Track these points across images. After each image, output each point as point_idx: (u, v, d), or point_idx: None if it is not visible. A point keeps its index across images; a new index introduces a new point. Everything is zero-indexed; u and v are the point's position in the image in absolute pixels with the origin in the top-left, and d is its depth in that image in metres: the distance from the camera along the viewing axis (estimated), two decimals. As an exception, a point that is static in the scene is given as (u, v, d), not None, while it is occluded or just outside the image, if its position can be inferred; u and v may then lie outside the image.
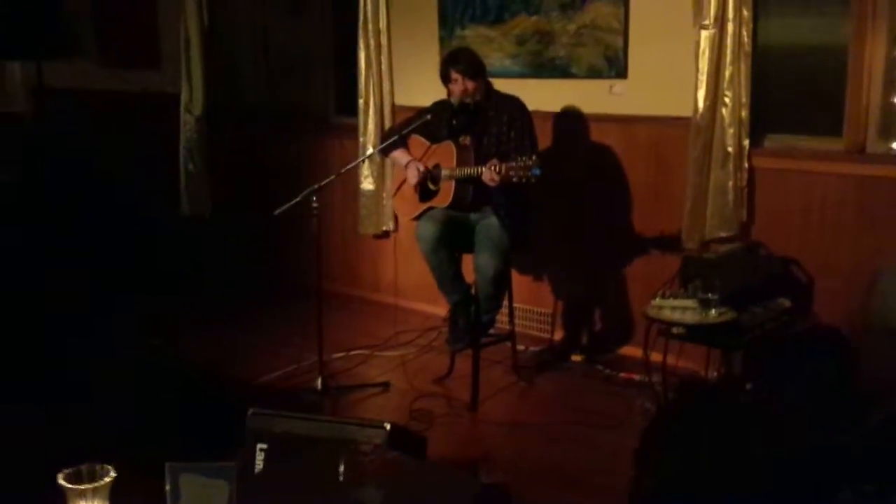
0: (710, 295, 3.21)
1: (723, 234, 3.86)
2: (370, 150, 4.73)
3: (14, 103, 7.15)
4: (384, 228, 5.12)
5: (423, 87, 4.47)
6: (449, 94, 3.85)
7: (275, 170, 5.50)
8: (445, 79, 3.82)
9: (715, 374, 3.82)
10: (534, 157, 3.38)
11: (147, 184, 6.06)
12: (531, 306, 4.66)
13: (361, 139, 4.99)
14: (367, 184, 5.07)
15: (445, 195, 3.80)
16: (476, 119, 3.83)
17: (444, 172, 3.81)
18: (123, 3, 6.19)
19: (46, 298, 5.02)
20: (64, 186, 6.20)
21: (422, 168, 3.85)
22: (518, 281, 4.53)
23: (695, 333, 3.27)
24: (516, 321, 4.45)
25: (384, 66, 4.88)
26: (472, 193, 3.76)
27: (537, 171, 3.36)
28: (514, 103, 3.83)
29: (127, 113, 6.25)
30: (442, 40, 4.70)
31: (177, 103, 5.71)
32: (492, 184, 3.52)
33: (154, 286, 5.44)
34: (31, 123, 6.79)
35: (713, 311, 3.21)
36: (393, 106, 4.94)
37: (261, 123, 5.71)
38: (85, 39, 6.43)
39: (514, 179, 3.41)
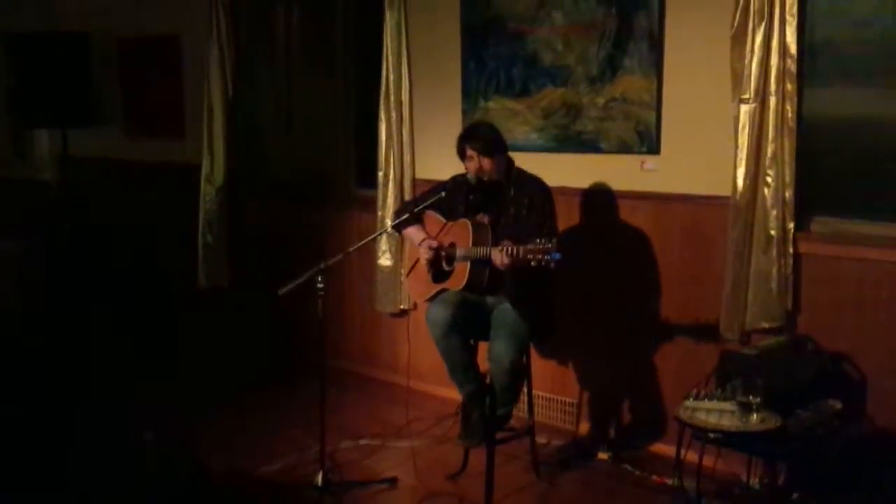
0: (750, 398, 2.87)
1: (765, 326, 3.53)
2: (383, 227, 4.51)
3: (41, 171, 7.21)
4: (402, 307, 4.87)
5: (444, 160, 4.26)
6: (466, 169, 3.63)
7: (295, 243, 5.33)
8: (461, 154, 3.61)
9: (757, 481, 3.46)
10: (553, 241, 3.11)
11: (166, 254, 5.97)
12: (555, 395, 4.34)
13: (380, 213, 4.78)
14: (385, 260, 4.84)
15: (460, 277, 3.54)
16: (494, 197, 3.59)
17: (460, 252, 3.56)
18: (149, 72, 6.19)
19: (50, 375, 4.88)
20: (84, 254, 6.14)
21: (435, 245, 3.61)
22: (541, 367, 4.25)
23: (733, 441, 2.92)
24: (538, 410, 4.16)
25: (405, 138, 4.71)
26: (488, 276, 3.49)
27: (557, 256, 3.08)
28: (537, 185, 3.59)
29: (150, 182, 6.20)
30: (465, 112, 4.51)
31: (199, 174, 5.60)
32: (502, 267, 3.26)
33: (165, 360, 5.28)
34: (56, 191, 6.79)
35: (754, 417, 2.87)
36: (413, 179, 4.73)
37: (282, 195, 5.57)
38: (111, 108, 6.44)
39: (532, 263, 3.13)
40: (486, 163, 3.52)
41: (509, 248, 3.18)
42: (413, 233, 3.76)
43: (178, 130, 6.01)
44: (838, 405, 3.15)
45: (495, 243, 3.41)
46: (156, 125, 6.22)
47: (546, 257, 3.06)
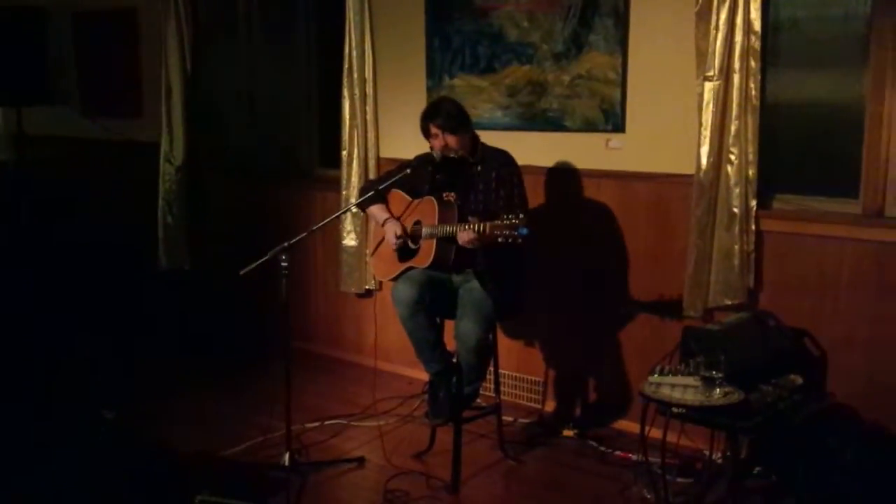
0: (713, 373, 2.90)
1: (728, 303, 3.56)
2: (347, 205, 4.46)
3: (-4, 151, 7.01)
4: (367, 287, 4.84)
5: (409, 138, 4.21)
6: (430, 147, 3.60)
7: (257, 223, 5.26)
8: (426, 133, 3.57)
9: (720, 455, 3.50)
10: (521, 216, 3.09)
11: (125, 234, 5.85)
12: (521, 373, 4.35)
13: (344, 192, 4.73)
14: (350, 240, 4.80)
15: (426, 255, 3.51)
16: (461, 174, 3.56)
17: (425, 230, 3.53)
18: (106, 50, 6.04)
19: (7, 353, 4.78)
20: (41, 233, 6.00)
21: (399, 231, 3.57)
22: (508, 346, 4.25)
23: (697, 415, 2.94)
24: (504, 389, 4.17)
25: (369, 117, 4.65)
26: (454, 253, 3.46)
27: (524, 231, 3.07)
28: (504, 158, 3.57)
29: (108, 162, 6.07)
30: (429, 90, 4.47)
31: (158, 153, 5.49)
32: (468, 245, 3.24)
33: (124, 343, 5.20)
34: (11, 171, 6.62)
35: (717, 391, 2.89)
36: (378, 158, 4.69)
37: (244, 174, 5.49)
38: (67, 85, 6.28)
39: (500, 240, 3.11)
40: (451, 140, 3.49)
41: (475, 225, 3.16)
42: (376, 211, 3.72)
43: (136, 108, 5.89)
44: (799, 380, 3.19)
45: (462, 220, 3.39)
46: (113, 103, 6.08)
47: (514, 233, 3.05)
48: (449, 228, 3.39)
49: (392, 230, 3.59)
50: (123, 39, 5.87)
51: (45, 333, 5.18)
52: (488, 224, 3.14)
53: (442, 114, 3.50)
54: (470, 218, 3.22)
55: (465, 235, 3.22)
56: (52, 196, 6.23)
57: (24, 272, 5.77)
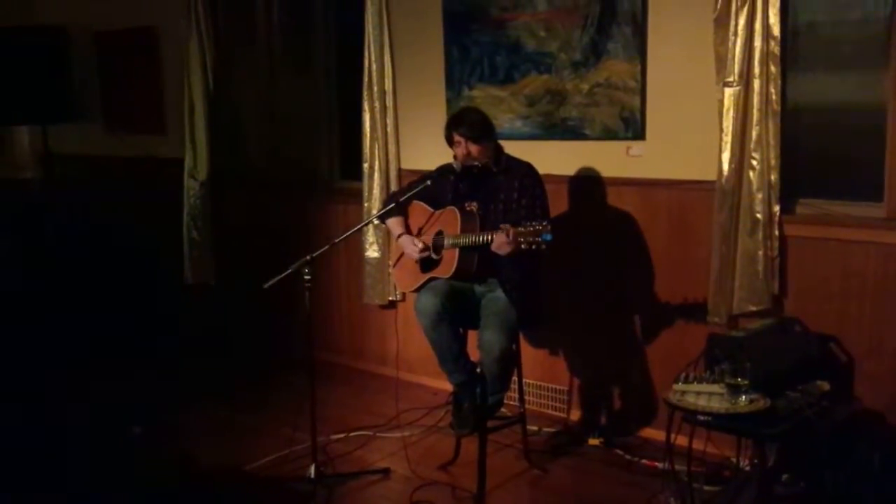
0: (739, 380, 2.87)
1: (752, 309, 3.54)
2: (368, 218, 4.48)
3: (22, 169, 7.13)
4: (390, 298, 4.85)
5: (429, 149, 4.25)
6: (454, 157, 3.61)
7: (280, 237, 5.29)
8: (449, 141, 3.59)
9: (747, 463, 3.47)
10: (544, 223, 3.10)
11: (150, 250, 5.92)
12: (545, 383, 4.34)
13: (366, 204, 4.76)
14: (372, 251, 4.82)
15: (448, 265, 3.52)
16: (482, 184, 3.58)
17: (448, 241, 3.54)
18: (129, 68, 6.12)
19: (37, 369, 4.84)
20: (67, 250, 6.08)
21: (419, 244, 3.59)
22: (531, 356, 4.25)
23: (723, 423, 2.91)
24: (529, 398, 4.16)
25: (389, 129, 4.68)
26: (477, 263, 3.47)
27: (548, 238, 3.08)
28: (525, 169, 3.58)
29: (133, 178, 6.14)
30: (449, 101, 4.49)
31: (182, 169, 5.55)
32: (501, 251, 3.24)
33: (150, 357, 5.25)
34: (37, 191, 6.72)
35: (743, 399, 2.87)
36: (399, 170, 4.71)
37: (266, 189, 5.52)
38: (91, 103, 6.37)
39: (524, 246, 3.13)
40: (475, 149, 3.50)
41: (508, 231, 3.16)
42: (392, 225, 3.75)
43: (160, 125, 5.96)
44: (826, 386, 3.15)
45: (483, 230, 3.40)
46: (136, 120, 6.16)
47: (538, 239, 3.05)
48: (475, 237, 3.39)
49: (408, 244, 3.61)
50: (145, 57, 5.94)
51: (70, 349, 5.24)
52: (512, 231, 3.15)
53: (466, 122, 3.52)
54: (502, 225, 3.21)
55: (500, 239, 3.21)
56: (77, 213, 6.32)
57: (50, 289, 5.85)
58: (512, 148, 3.72)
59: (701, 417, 2.93)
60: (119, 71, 6.23)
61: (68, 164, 6.39)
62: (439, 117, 4.34)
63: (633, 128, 3.88)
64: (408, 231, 3.70)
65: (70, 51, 6.00)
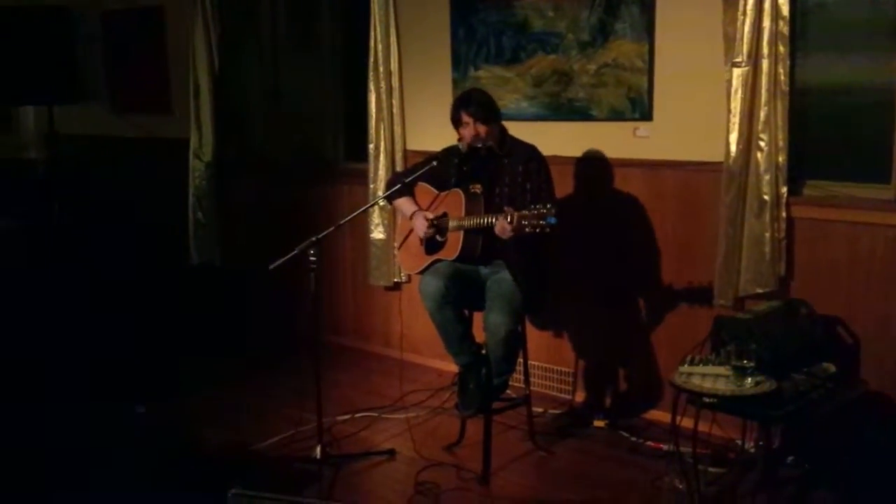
0: (745, 362, 2.87)
1: (759, 291, 3.52)
2: (374, 199, 4.47)
3: (28, 149, 7.13)
4: (395, 280, 4.85)
5: (435, 130, 4.23)
6: (459, 137, 3.59)
7: (286, 218, 5.29)
8: (456, 122, 3.56)
9: (752, 445, 3.47)
10: (549, 206, 3.09)
11: (156, 230, 5.92)
12: (551, 364, 4.34)
13: (371, 186, 4.75)
14: (378, 233, 4.81)
15: (453, 247, 3.52)
16: (487, 166, 3.56)
17: (452, 223, 3.53)
18: (134, 49, 6.10)
19: (43, 350, 4.85)
20: (72, 230, 6.08)
21: (430, 217, 3.58)
22: (537, 337, 4.25)
23: (729, 405, 2.91)
24: (534, 380, 4.16)
25: (395, 110, 4.66)
26: (482, 245, 3.47)
27: (552, 220, 3.07)
28: (530, 151, 3.55)
29: (138, 158, 6.13)
30: (455, 82, 4.46)
31: (188, 149, 5.54)
32: (503, 235, 3.23)
33: (157, 338, 5.26)
34: (44, 168, 6.72)
35: (749, 381, 2.86)
36: (405, 151, 4.70)
37: (271, 170, 5.51)
38: (96, 83, 6.36)
39: (528, 230, 3.11)
40: (482, 129, 3.48)
41: (510, 216, 3.15)
42: (404, 204, 3.73)
43: (165, 105, 5.95)
44: (832, 368, 3.15)
45: (488, 212, 3.39)
46: (142, 100, 6.15)
47: (542, 222, 3.04)
48: (479, 219, 3.38)
49: (422, 221, 3.60)
50: (151, 37, 5.92)
51: (75, 329, 5.25)
52: (517, 214, 3.13)
53: (474, 102, 3.50)
54: (506, 208, 3.20)
55: (501, 225, 3.20)
56: (83, 193, 6.32)
57: (56, 268, 5.86)
58: (518, 129, 3.70)
59: (706, 399, 2.93)
60: (125, 51, 6.21)
61: (74, 144, 6.39)
62: (445, 98, 4.32)
63: (640, 108, 3.86)
64: (420, 208, 3.68)
65: (76, 31, 5.98)
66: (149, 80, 6.04)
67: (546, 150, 3.61)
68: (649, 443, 3.75)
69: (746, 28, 3.39)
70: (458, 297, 3.49)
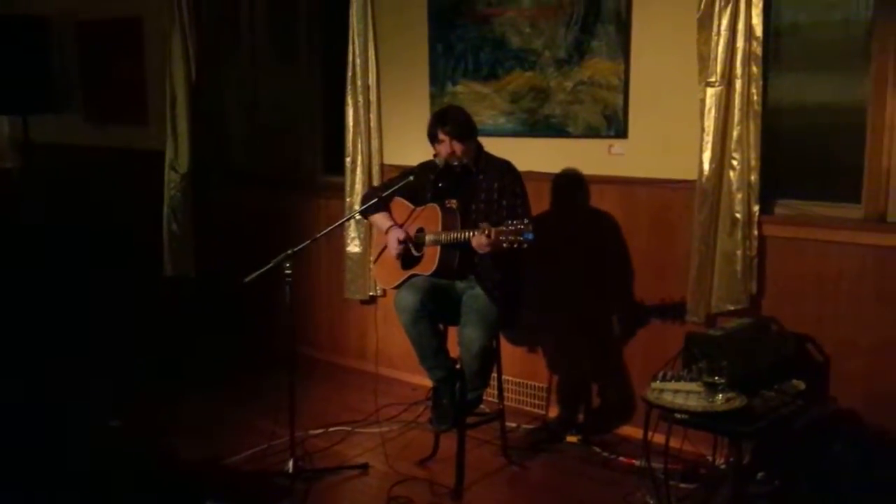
0: (716, 378, 2.89)
1: (730, 308, 3.56)
2: (350, 213, 4.47)
3: (1, 159, 7.07)
4: (371, 293, 4.84)
5: (412, 145, 4.25)
6: (435, 153, 3.60)
7: (262, 231, 5.28)
8: (433, 138, 3.57)
9: (723, 461, 3.49)
10: (526, 222, 3.11)
11: (130, 241, 5.88)
12: (524, 379, 4.35)
13: (348, 199, 4.75)
14: (354, 246, 4.81)
15: (429, 262, 3.52)
16: (462, 183, 3.57)
17: (429, 237, 3.54)
18: (111, 59, 6.07)
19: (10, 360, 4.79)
20: (46, 239, 6.03)
21: (402, 237, 3.58)
22: (511, 352, 4.26)
23: (700, 421, 2.93)
24: (508, 395, 4.17)
25: (373, 124, 4.67)
26: (458, 260, 3.48)
27: (530, 236, 3.08)
28: (505, 168, 3.57)
29: (113, 169, 6.10)
30: (433, 97, 4.48)
31: (163, 160, 5.51)
32: (480, 249, 3.24)
33: (129, 349, 5.21)
34: (17, 177, 6.66)
35: (720, 397, 2.89)
36: (381, 165, 4.70)
37: (248, 182, 5.50)
38: (72, 94, 6.32)
39: (505, 245, 3.13)
40: (458, 147, 3.49)
41: (487, 230, 3.16)
42: (379, 219, 3.73)
43: (141, 116, 5.93)
44: (802, 385, 3.18)
45: (464, 228, 3.40)
46: (118, 110, 6.12)
47: (520, 238, 3.06)
48: (456, 234, 3.39)
49: (395, 237, 3.60)
50: (128, 48, 5.91)
51: (48, 339, 5.20)
52: (494, 230, 3.15)
53: (451, 120, 3.50)
54: (481, 224, 3.21)
55: (479, 240, 3.21)
56: (57, 202, 6.27)
57: (29, 277, 5.79)
58: (494, 145, 3.72)
59: (678, 415, 2.95)
60: (101, 61, 6.18)
61: (49, 153, 6.34)
62: (423, 113, 4.34)
63: (615, 126, 3.89)
64: (395, 224, 3.68)
65: (51, 40, 5.96)
66: (125, 91, 6.01)
67: (522, 165, 3.63)
68: (621, 458, 3.77)
69: (720, 48, 3.44)
70: (434, 311, 3.49)
